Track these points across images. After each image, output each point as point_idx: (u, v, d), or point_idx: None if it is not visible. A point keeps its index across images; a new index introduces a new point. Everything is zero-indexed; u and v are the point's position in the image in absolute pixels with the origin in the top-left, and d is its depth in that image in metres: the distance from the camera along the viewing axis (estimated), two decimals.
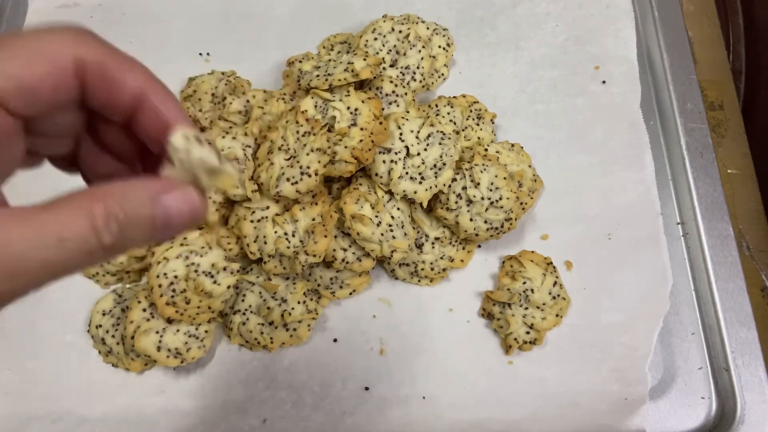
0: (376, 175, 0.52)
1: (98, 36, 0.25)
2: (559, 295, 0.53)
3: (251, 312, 0.52)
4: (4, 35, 0.23)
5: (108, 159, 0.28)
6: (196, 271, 0.49)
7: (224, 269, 0.50)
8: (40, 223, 0.22)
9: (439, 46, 0.62)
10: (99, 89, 0.24)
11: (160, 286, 0.49)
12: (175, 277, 0.49)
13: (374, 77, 0.56)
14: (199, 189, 0.25)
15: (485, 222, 0.53)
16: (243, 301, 0.52)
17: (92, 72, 0.24)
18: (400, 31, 0.60)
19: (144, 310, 0.50)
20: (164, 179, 0.25)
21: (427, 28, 0.62)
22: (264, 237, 0.51)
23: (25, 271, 0.22)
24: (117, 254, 0.24)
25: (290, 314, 0.51)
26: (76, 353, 0.53)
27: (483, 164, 0.54)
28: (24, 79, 0.22)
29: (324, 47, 0.63)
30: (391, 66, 0.59)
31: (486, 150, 0.56)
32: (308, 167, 0.49)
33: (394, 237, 0.51)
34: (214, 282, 0.49)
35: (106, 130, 0.28)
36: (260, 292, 0.52)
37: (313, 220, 0.51)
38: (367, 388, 0.52)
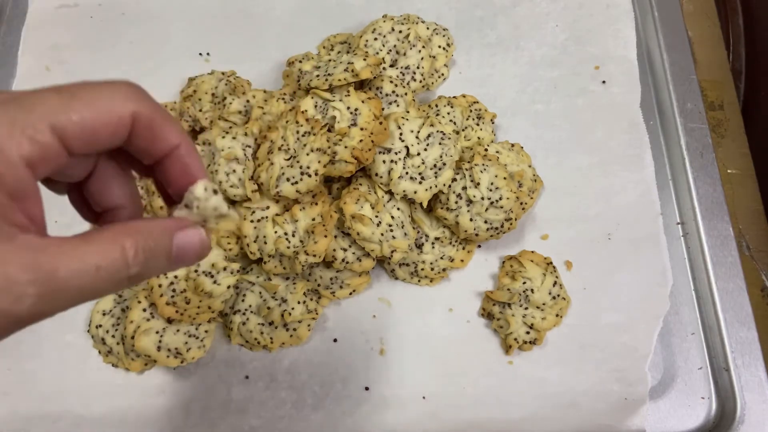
0: (376, 175, 0.52)
1: (148, 93, 0.29)
2: (559, 295, 0.53)
3: (251, 312, 0.52)
4: (75, 85, 0.27)
5: (114, 189, 0.31)
6: (196, 271, 0.49)
7: (224, 269, 0.50)
8: (81, 253, 0.25)
9: (439, 46, 0.62)
10: (144, 138, 0.28)
11: (160, 286, 0.49)
12: (175, 277, 0.49)
13: (374, 77, 0.56)
14: (205, 229, 0.30)
15: (485, 222, 0.53)
16: (243, 301, 0.52)
17: (142, 124, 0.28)
18: (400, 31, 0.60)
19: (144, 310, 0.50)
20: (178, 219, 0.29)
21: (427, 28, 0.62)
22: (264, 237, 0.51)
23: (66, 295, 0.25)
24: (138, 283, 0.28)
25: (290, 314, 0.51)
26: (76, 353, 0.53)
27: (483, 164, 0.54)
28: (88, 124, 0.26)
29: (324, 47, 0.63)
30: (391, 66, 0.59)
31: (486, 150, 0.56)
32: (308, 167, 0.49)
33: (394, 237, 0.52)
34: (214, 282, 0.49)
35: (123, 165, 0.31)
36: (260, 292, 0.52)
37: (313, 220, 0.51)
38: (367, 388, 0.52)
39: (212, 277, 0.50)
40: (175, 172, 0.30)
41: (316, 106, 0.53)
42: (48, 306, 0.25)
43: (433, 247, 0.55)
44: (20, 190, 0.25)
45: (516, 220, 0.54)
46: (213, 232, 0.31)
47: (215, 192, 0.30)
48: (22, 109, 0.25)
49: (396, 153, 0.52)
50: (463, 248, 0.55)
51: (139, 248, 0.27)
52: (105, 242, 0.26)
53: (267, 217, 0.52)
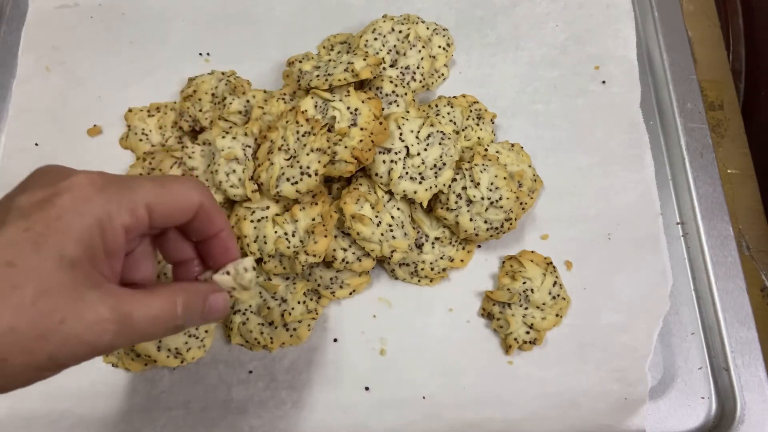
0: (376, 175, 0.52)
1: (208, 189, 0.38)
2: (559, 295, 0.53)
3: (251, 312, 0.52)
4: (164, 177, 0.35)
5: (175, 247, 0.39)
6: None
7: None
8: (148, 304, 0.33)
9: (439, 46, 0.62)
10: (201, 222, 0.36)
11: None
12: None
13: (374, 77, 0.56)
14: (230, 294, 0.39)
15: (485, 222, 0.53)
16: (243, 301, 0.52)
17: (203, 212, 0.36)
18: (400, 31, 0.60)
19: None
20: (212, 284, 0.38)
21: (427, 28, 0.62)
22: (264, 237, 0.51)
23: (133, 335, 0.32)
24: (175, 333, 0.35)
25: (290, 314, 0.51)
26: None
27: (483, 164, 0.54)
28: (170, 208, 0.34)
29: (324, 47, 0.63)
30: (391, 66, 0.59)
31: (486, 150, 0.56)
32: (308, 167, 0.49)
33: (394, 237, 0.52)
34: None
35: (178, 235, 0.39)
36: (260, 292, 0.52)
37: (313, 220, 0.51)
38: (367, 388, 0.52)
39: None
40: (217, 249, 0.38)
41: (316, 106, 0.53)
42: (120, 341, 0.31)
43: (433, 247, 0.55)
44: (114, 250, 0.32)
45: (516, 220, 0.54)
46: (233, 298, 0.39)
47: (245, 269, 0.38)
48: (129, 190, 0.32)
49: (396, 153, 0.52)
50: (463, 248, 0.55)
51: (185, 305, 0.34)
52: (164, 297, 0.34)
53: (267, 217, 0.52)
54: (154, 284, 0.36)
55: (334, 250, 0.52)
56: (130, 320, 0.32)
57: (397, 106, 0.56)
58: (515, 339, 0.52)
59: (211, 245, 0.38)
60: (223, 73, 0.59)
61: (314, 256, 0.50)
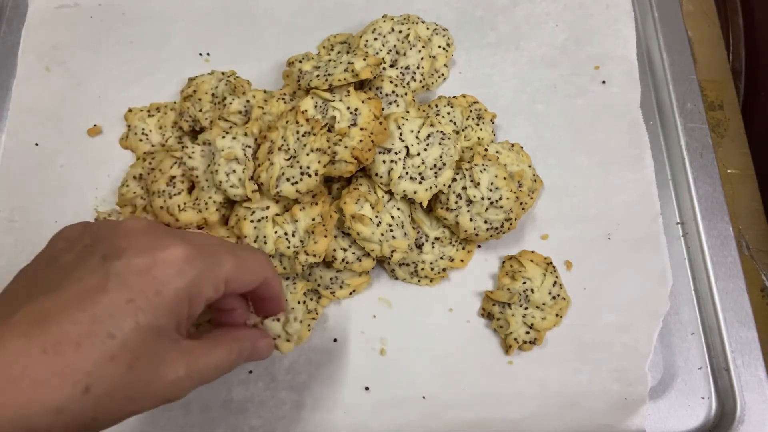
0: (376, 175, 0.52)
1: (271, 261, 0.43)
2: (558, 295, 0.53)
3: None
4: (241, 249, 0.39)
5: (227, 300, 0.43)
6: None
7: None
8: (211, 355, 0.37)
9: (439, 46, 0.62)
10: (264, 289, 0.41)
11: None
12: None
13: (374, 77, 0.56)
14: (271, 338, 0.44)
15: (485, 222, 0.53)
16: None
17: (265, 281, 0.40)
18: (400, 31, 0.60)
19: None
20: (259, 329, 0.44)
21: (427, 28, 0.62)
22: (264, 237, 0.51)
23: (198, 382, 0.36)
24: (224, 373, 0.38)
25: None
26: None
27: (483, 164, 0.54)
28: (244, 281, 0.39)
29: (324, 47, 0.63)
30: (391, 66, 0.59)
31: (486, 150, 0.56)
32: (308, 167, 0.49)
33: (394, 237, 0.52)
34: None
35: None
36: None
37: (313, 220, 0.51)
38: (367, 388, 0.52)
39: None
40: (270, 303, 0.43)
41: (316, 106, 0.53)
42: (185, 387, 0.35)
43: (433, 247, 0.55)
44: (194, 316, 0.36)
45: (516, 220, 0.54)
46: (276, 341, 0.46)
47: (301, 322, 0.47)
48: (216, 266, 0.36)
49: (396, 153, 0.52)
50: (463, 248, 0.55)
51: (238, 352, 0.39)
52: (224, 347, 0.38)
53: (267, 217, 0.52)
54: (213, 333, 0.40)
55: (334, 250, 0.52)
56: (200, 373, 0.36)
57: (397, 106, 0.56)
58: (515, 339, 0.52)
59: (264, 300, 0.43)
60: (223, 73, 0.59)
61: (314, 256, 0.50)
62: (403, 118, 0.53)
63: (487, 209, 0.53)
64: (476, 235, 0.53)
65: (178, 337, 0.35)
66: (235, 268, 0.37)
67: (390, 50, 0.59)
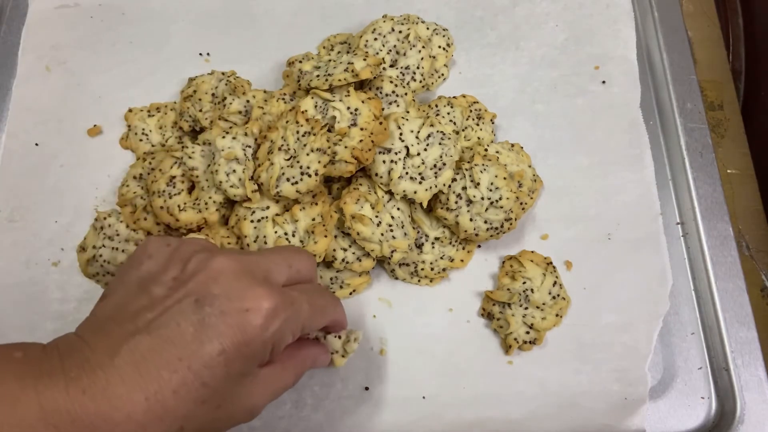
0: (376, 175, 0.52)
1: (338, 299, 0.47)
2: (558, 295, 0.53)
3: None
4: (312, 295, 0.42)
5: None
6: None
7: None
8: (282, 381, 0.41)
9: (439, 46, 0.62)
10: (330, 327, 0.46)
11: None
12: None
13: (374, 77, 0.56)
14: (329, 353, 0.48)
15: (485, 222, 0.53)
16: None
17: (334, 323, 0.46)
18: (400, 32, 0.60)
19: None
20: (322, 344, 0.48)
21: (427, 28, 0.62)
22: (264, 237, 0.51)
23: (265, 406, 0.41)
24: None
25: None
26: None
27: (483, 164, 0.54)
28: (314, 325, 0.42)
29: (324, 47, 0.63)
30: (391, 66, 0.59)
31: (486, 150, 0.56)
32: (308, 167, 0.49)
33: (394, 237, 0.52)
34: None
35: None
36: None
37: (313, 220, 0.51)
38: (367, 388, 0.52)
39: None
40: (335, 328, 0.46)
41: (316, 106, 0.53)
42: (260, 411, 0.40)
43: (433, 247, 0.55)
44: (276, 351, 0.38)
45: (516, 220, 0.54)
46: (332, 355, 0.49)
47: (356, 341, 0.49)
48: (296, 314, 0.39)
49: (396, 153, 0.52)
50: (463, 248, 0.56)
51: (303, 370, 0.44)
52: (292, 370, 0.42)
53: (267, 217, 0.52)
54: (283, 356, 0.41)
55: (334, 250, 0.52)
56: (273, 396, 0.40)
57: (397, 106, 0.56)
58: (515, 339, 0.52)
59: (329, 324, 0.45)
60: (223, 73, 0.59)
61: (314, 256, 0.50)
62: (403, 118, 0.53)
63: (487, 209, 0.53)
64: (476, 235, 0.53)
65: (258, 371, 0.38)
66: (310, 315, 0.40)
67: (390, 50, 0.59)
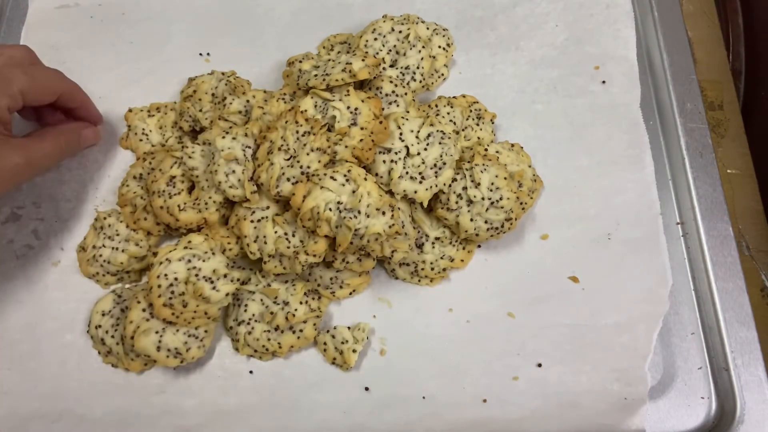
0: (376, 174, 0.52)
1: (65, 76, 0.54)
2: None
3: (255, 320, 0.52)
4: (34, 69, 0.51)
5: (50, 115, 0.57)
6: (196, 275, 0.49)
7: (224, 276, 0.50)
8: (42, 145, 0.51)
9: (439, 46, 0.62)
10: (64, 99, 0.53)
11: (159, 286, 0.49)
12: (176, 279, 0.49)
13: (374, 77, 0.56)
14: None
15: (485, 222, 0.53)
16: (246, 311, 0.52)
17: (65, 94, 0.53)
18: (400, 32, 0.60)
19: (143, 310, 0.50)
20: (83, 122, 0.58)
21: (427, 29, 0.62)
22: (264, 237, 0.51)
23: (35, 168, 0.50)
24: (60, 160, 0.56)
25: (294, 315, 0.51)
26: (76, 353, 0.53)
27: (483, 164, 0.54)
28: (38, 94, 0.51)
29: (324, 47, 0.63)
30: (391, 66, 0.59)
31: (486, 150, 0.56)
32: (308, 167, 0.49)
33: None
34: (213, 288, 0.49)
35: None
36: (261, 299, 0.52)
37: None
38: (367, 388, 0.52)
39: (212, 283, 0.50)
40: (82, 113, 0.57)
41: (316, 106, 0.53)
42: (27, 172, 0.49)
43: (433, 247, 0.55)
44: (4, 119, 0.48)
45: (516, 220, 0.54)
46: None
47: (365, 331, 0.52)
48: (7, 82, 0.48)
49: (396, 153, 0.52)
50: (463, 248, 0.55)
51: (66, 142, 0.54)
52: (52, 139, 0.52)
53: (267, 217, 0.52)
54: (40, 130, 0.54)
55: None
56: (32, 158, 0.49)
57: (397, 106, 0.56)
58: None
59: (74, 110, 0.56)
60: (223, 73, 0.59)
61: (314, 256, 0.50)
62: (403, 117, 0.53)
63: (487, 209, 0.53)
64: (476, 235, 0.53)
65: (5, 138, 0.47)
66: (27, 83, 0.48)
67: (390, 50, 0.59)
